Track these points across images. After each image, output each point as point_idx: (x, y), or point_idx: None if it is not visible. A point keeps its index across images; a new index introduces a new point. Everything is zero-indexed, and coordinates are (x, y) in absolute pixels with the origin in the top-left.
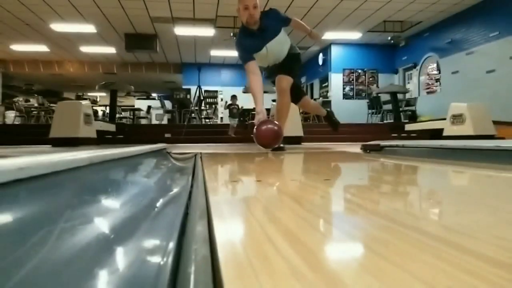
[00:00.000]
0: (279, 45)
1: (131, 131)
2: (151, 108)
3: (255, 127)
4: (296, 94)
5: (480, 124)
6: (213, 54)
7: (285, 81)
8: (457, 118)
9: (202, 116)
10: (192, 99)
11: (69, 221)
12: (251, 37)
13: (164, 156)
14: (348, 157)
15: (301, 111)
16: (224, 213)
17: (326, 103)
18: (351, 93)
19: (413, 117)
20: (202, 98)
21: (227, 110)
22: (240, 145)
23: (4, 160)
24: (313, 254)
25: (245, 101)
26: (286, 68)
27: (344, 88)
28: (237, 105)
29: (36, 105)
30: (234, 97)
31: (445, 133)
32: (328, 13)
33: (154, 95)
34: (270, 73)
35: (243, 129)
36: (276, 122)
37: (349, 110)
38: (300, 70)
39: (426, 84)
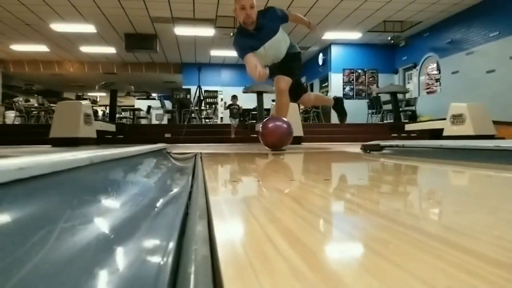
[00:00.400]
0: (277, 45)
1: (131, 131)
2: (151, 108)
3: (261, 125)
4: (296, 92)
5: (480, 124)
6: (213, 54)
7: (284, 81)
8: (457, 118)
9: (202, 116)
10: (192, 99)
11: (69, 221)
12: (248, 37)
13: (164, 156)
14: (348, 157)
15: (301, 111)
16: (224, 213)
17: None
18: (351, 93)
19: (413, 117)
20: (202, 98)
21: (227, 110)
22: (240, 145)
23: (4, 160)
24: (313, 254)
25: (246, 101)
26: (285, 68)
27: (344, 88)
28: (238, 105)
29: (36, 105)
30: (234, 97)
31: (445, 133)
32: (328, 13)
33: (154, 95)
34: (270, 72)
35: (243, 128)
36: (285, 119)
37: (349, 110)
38: (300, 69)
39: (426, 84)
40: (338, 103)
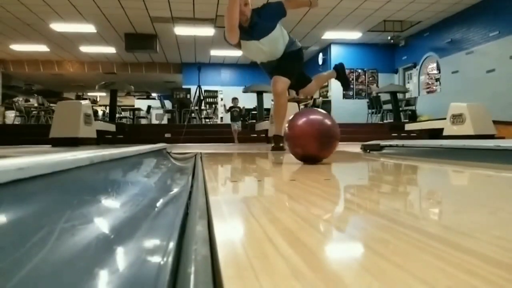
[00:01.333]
0: (273, 43)
1: (131, 131)
2: (151, 108)
3: (288, 124)
4: (301, 83)
5: (480, 124)
6: (213, 54)
7: (281, 83)
8: (457, 118)
9: (202, 116)
10: (192, 99)
11: (69, 221)
12: (242, 34)
13: (164, 156)
14: (348, 157)
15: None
16: (224, 213)
17: (326, 103)
18: (351, 93)
19: (413, 117)
20: (202, 98)
21: (228, 113)
22: (240, 145)
23: (4, 160)
24: (313, 254)
25: (246, 101)
26: (282, 68)
27: None
28: (239, 107)
29: (36, 105)
30: (235, 99)
31: (445, 133)
32: (328, 13)
33: (154, 95)
34: (268, 72)
35: (243, 129)
36: (324, 112)
37: (349, 110)
38: (302, 67)
39: (426, 84)
40: (339, 73)
